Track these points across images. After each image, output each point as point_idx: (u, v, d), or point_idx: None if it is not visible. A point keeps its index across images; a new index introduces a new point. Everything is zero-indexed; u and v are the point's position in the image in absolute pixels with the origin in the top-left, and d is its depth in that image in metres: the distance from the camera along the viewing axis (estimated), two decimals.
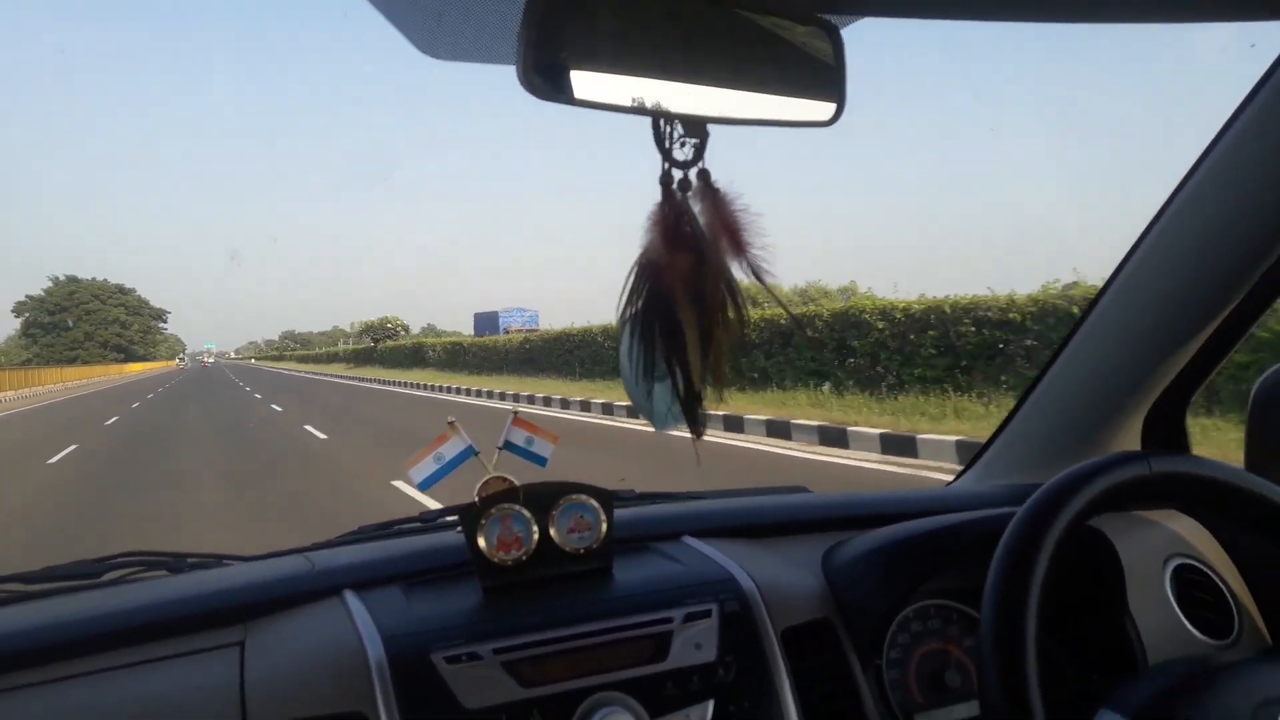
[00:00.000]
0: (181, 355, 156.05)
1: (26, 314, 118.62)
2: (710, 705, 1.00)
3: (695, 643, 1.04)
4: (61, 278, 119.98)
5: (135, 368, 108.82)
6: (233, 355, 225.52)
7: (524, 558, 1.09)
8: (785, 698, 1.04)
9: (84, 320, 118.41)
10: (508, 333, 31.15)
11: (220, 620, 1.06)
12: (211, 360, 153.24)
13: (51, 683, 0.95)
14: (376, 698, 0.92)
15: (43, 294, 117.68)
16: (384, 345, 58.48)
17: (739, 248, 0.80)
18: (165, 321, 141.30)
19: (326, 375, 51.13)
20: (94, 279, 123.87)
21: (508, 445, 1.20)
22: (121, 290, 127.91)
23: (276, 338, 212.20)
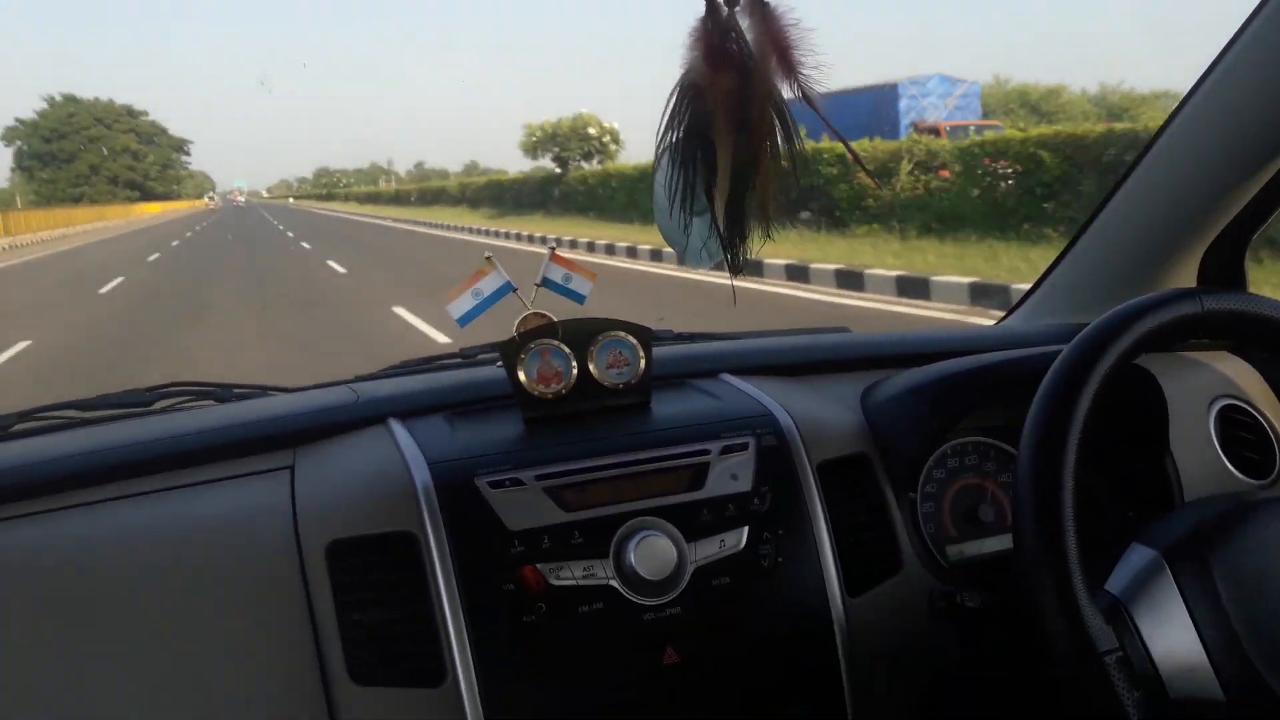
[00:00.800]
0: (211, 194, 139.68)
1: (19, 142, 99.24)
2: (745, 531, 1.03)
3: (732, 474, 1.05)
4: (58, 97, 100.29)
5: (152, 208, 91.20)
6: (265, 194, 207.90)
7: (563, 391, 1.10)
8: (819, 525, 1.06)
9: (87, 150, 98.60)
10: (915, 128, 20.49)
11: (269, 445, 1.09)
12: (243, 199, 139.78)
13: (107, 501, 0.99)
14: (425, 518, 0.96)
15: (36, 117, 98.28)
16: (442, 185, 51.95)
17: (789, 67, 0.75)
18: (188, 154, 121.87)
19: (389, 221, 41.18)
20: (97, 99, 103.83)
21: (545, 282, 1.19)
22: (131, 113, 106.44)
23: (310, 175, 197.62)
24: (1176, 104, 1.25)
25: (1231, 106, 1.19)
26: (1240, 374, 1.32)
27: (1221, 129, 1.21)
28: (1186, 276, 1.34)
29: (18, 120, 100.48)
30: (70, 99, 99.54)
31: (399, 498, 0.98)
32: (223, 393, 1.26)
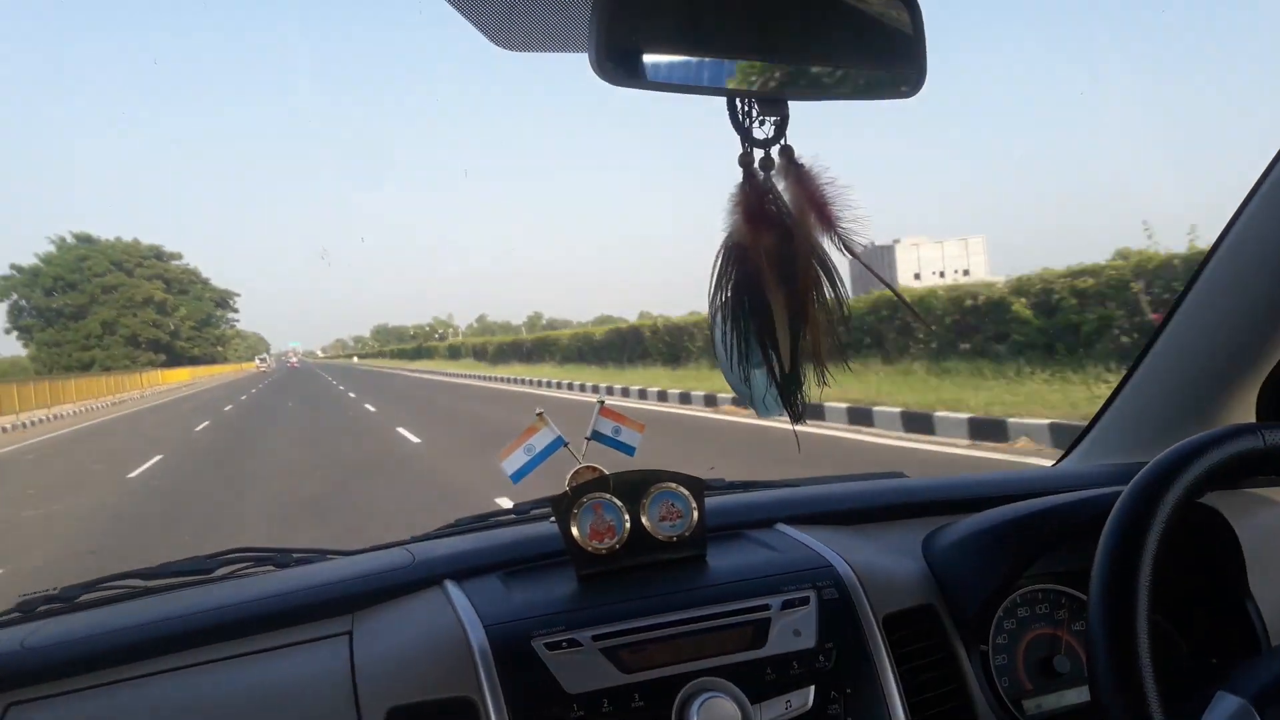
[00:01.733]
0: (263, 355, 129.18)
1: (15, 295, 73.58)
2: (811, 691, 0.99)
3: (794, 629, 1.03)
4: (69, 238, 76.33)
5: (180, 375, 69.45)
6: (320, 354, 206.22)
7: (617, 546, 1.09)
8: (888, 683, 1.02)
9: (101, 302, 73.72)
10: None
11: (328, 610, 1.09)
12: (298, 360, 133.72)
13: (171, 671, 1.00)
14: (482, 682, 0.94)
15: (39, 261, 73.75)
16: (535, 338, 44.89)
17: (827, 222, 0.79)
18: (235, 309, 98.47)
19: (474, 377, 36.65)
20: (119, 239, 79.13)
21: (595, 435, 1.20)
22: (159, 255, 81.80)
23: (368, 334, 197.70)
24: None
25: (1276, 231, 1.18)
26: None
27: (1269, 257, 1.20)
28: (1244, 412, 1.31)
29: (13, 268, 73.83)
30: (84, 239, 77.47)
31: (456, 661, 0.96)
32: (282, 558, 1.28)
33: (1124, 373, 1.47)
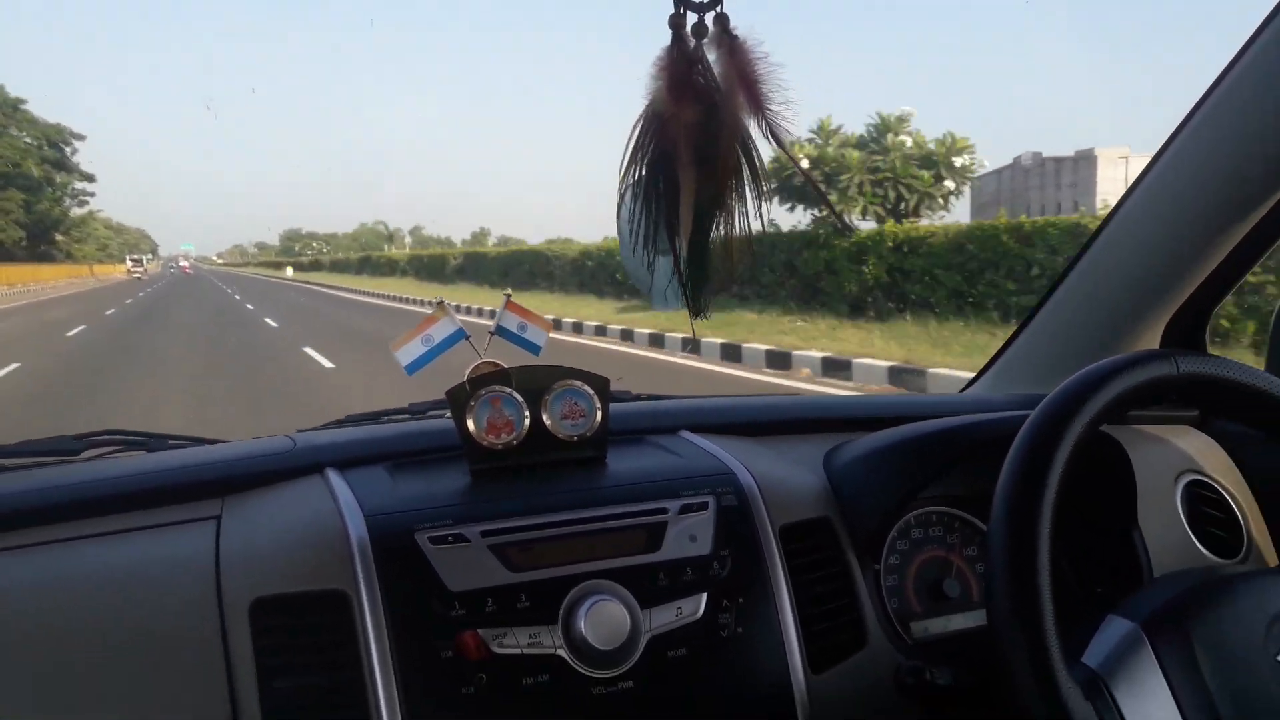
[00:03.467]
0: (138, 256, 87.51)
1: None
2: (704, 598, 0.98)
3: (690, 535, 1.01)
4: None
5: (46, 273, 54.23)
6: (216, 260, 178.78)
7: (514, 442, 1.05)
8: (781, 594, 1.01)
9: None
10: None
11: (196, 493, 1.02)
12: (190, 266, 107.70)
13: (20, 548, 0.92)
14: (358, 576, 0.89)
15: None
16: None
17: (756, 102, 0.73)
18: (85, 175, 70.32)
19: None
20: None
21: (500, 330, 1.14)
22: (17, 105, 61.69)
23: (277, 240, 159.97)
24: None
25: (1196, 173, 1.19)
26: (1205, 449, 1.31)
27: (1184, 196, 1.21)
28: (1151, 344, 1.34)
29: None
30: None
31: (332, 552, 0.91)
32: (155, 442, 1.20)
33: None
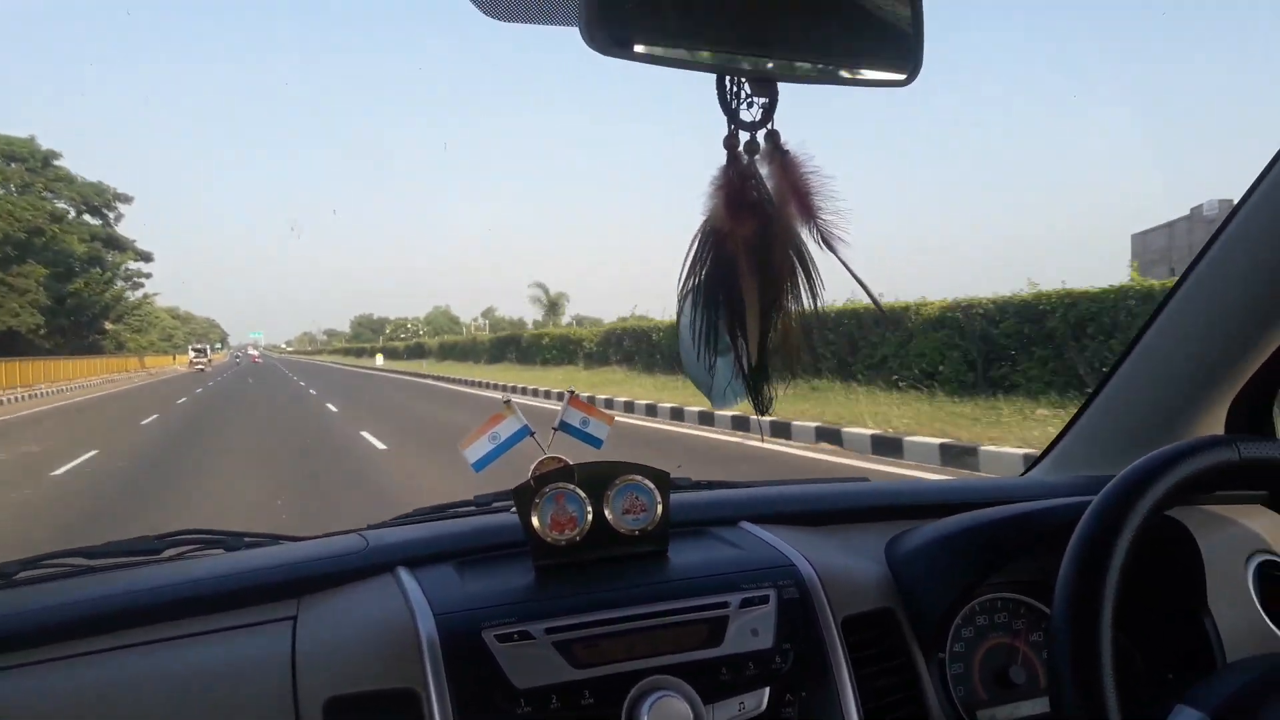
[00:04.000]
0: (202, 345, 78.86)
1: None
2: (766, 693, 0.97)
3: (752, 629, 1.01)
4: None
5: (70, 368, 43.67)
6: (285, 347, 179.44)
7: (578, 538, 1.07)
8: (844, 687, 1.01)
9: None
10: None
11: (274, 594, 1.05)
12: (260, 355, 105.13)
13: (108, 651, 0.96)
14: (427, 674, 0.91)
15: None
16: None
17: (808, 212, 0.77)
18: (141, 255, 60.41)
19: None
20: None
21: (563, 425, 1.17)
22: (49, 160, 50.74)
23: (348, 326, 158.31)
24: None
25: (1253, 251, 1.19)
26: (1274, 528, 1.28)
27: (1242, 276, 1.21)
28: (1213, 427, 1.32)
29: None
30: None
31: (403, 651, 0.93)
32: (233, 541, 1.24)
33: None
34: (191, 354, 66.91)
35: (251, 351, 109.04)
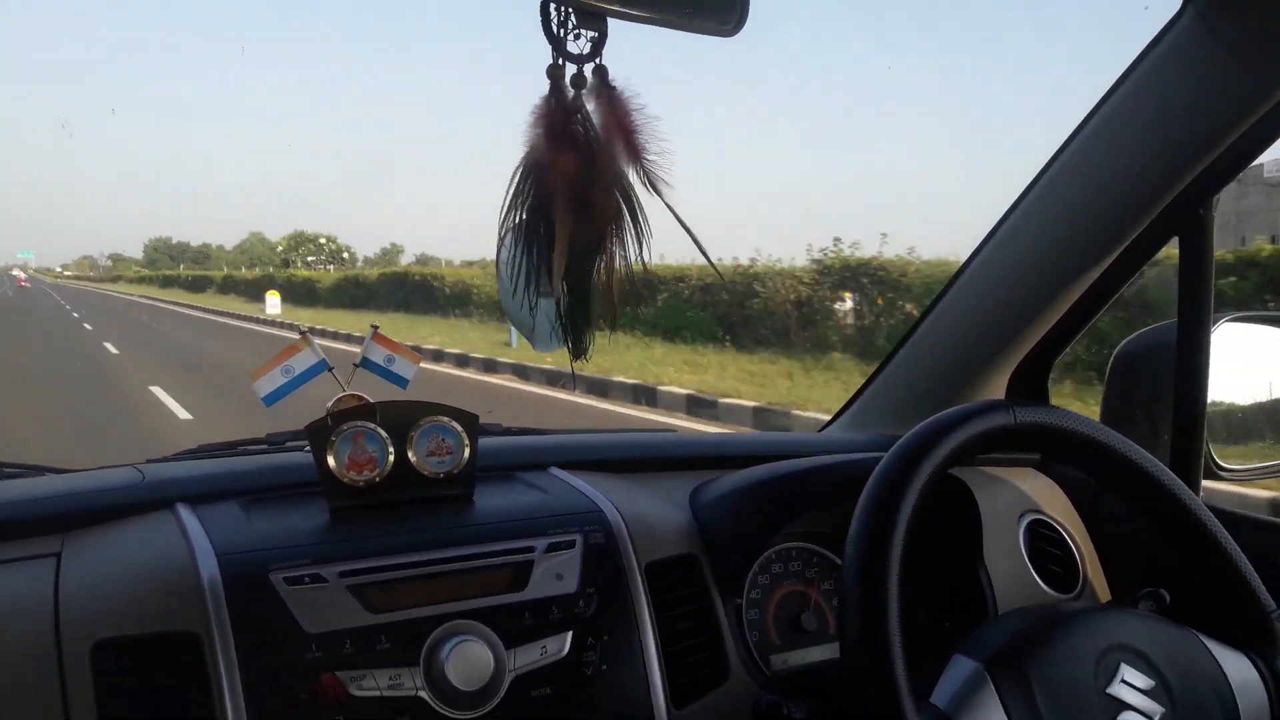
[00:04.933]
0: None
1: None
2: (569, 636, 0.98)
3: (556, 573, 1.01)
4: None
5: None
6: (59, 272, 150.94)
7: (377, 479, 1.03)
8: (645, 631, 1.02)
9: None
10: None
11: (34, 529, 0.97)
12: (27, 279, 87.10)
13: None
14: (210, 617, 0.86)
15: None
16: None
17: (634, 152, 0.75)
18: None
19: None
20: None
21: (365, 362, 1.12)
22: None
23: (140, 251, 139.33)
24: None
25: (1037, 234, 1.28)
26: (1045, 491, 1.39)
27: (1027, 255, 1.30)
28: (996, 392, 1.43)
29: None
30: None
31: (181, 593, 0.88)
32: None
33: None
34: None
35: (17, 274, 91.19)
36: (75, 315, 28.77)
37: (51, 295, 49.27)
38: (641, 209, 0.78)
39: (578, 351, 0.85)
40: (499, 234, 0.81)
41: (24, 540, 0.95)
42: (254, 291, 37.74)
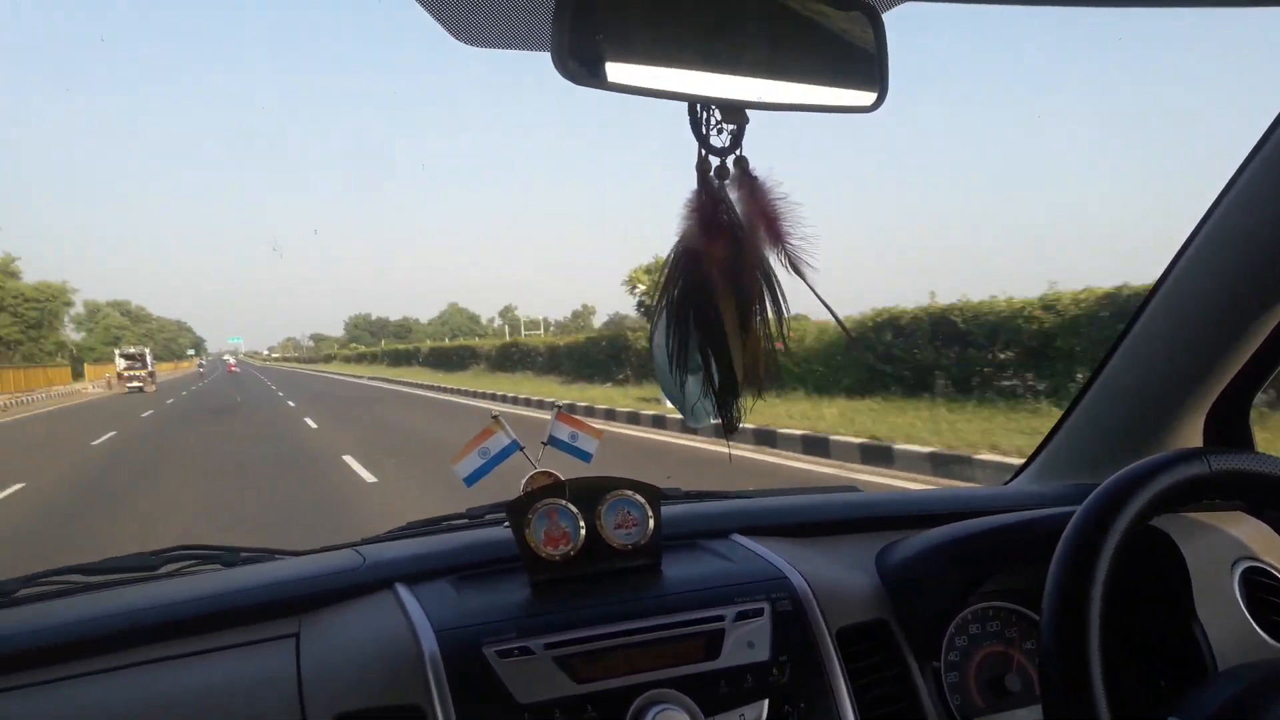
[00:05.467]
0: (132, 354, 44.44)
1: None
2: (765, 705, 0.99)
3: (748, 641, 1.03)
4: None
5: None
6: (267, 355, 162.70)
7: (571, 553, 1.09)
8: (842, 698, 1.03)
9: None
10: None
11: (275, 612, 1.07)
12: (235, 363, 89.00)
13: (111, 671, 0.98)
14: (432, 690, 0.93)
15: None
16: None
17: (777, 237, 0.79)
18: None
19: None
20: None
21: (552, 440, 1.20)
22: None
23: (342, 328, 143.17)
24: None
25: (1225, 263, 1.21)
26: (1259, 535, 1.29)
27: (1215, 287, 1.23)
28: (1192, 435, 1.34)
29: None
30: None
31: (406, 667, 0.95)
32: (229, 556, 1.25)
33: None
34: (121, 364, 41.22)
35: (228, 358, 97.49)
36: (280, 394, 31.29)
37: (260, 378, 52.09)
38: (782, 290, 0.82)
39: (728, 426, 0.88)
40: (653, 313, 0.86)
41: (267, 622, 1.06)
42: (456, 362, 38.45)
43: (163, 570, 1.21)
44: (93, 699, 0.94)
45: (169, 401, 29.87)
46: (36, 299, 57.48)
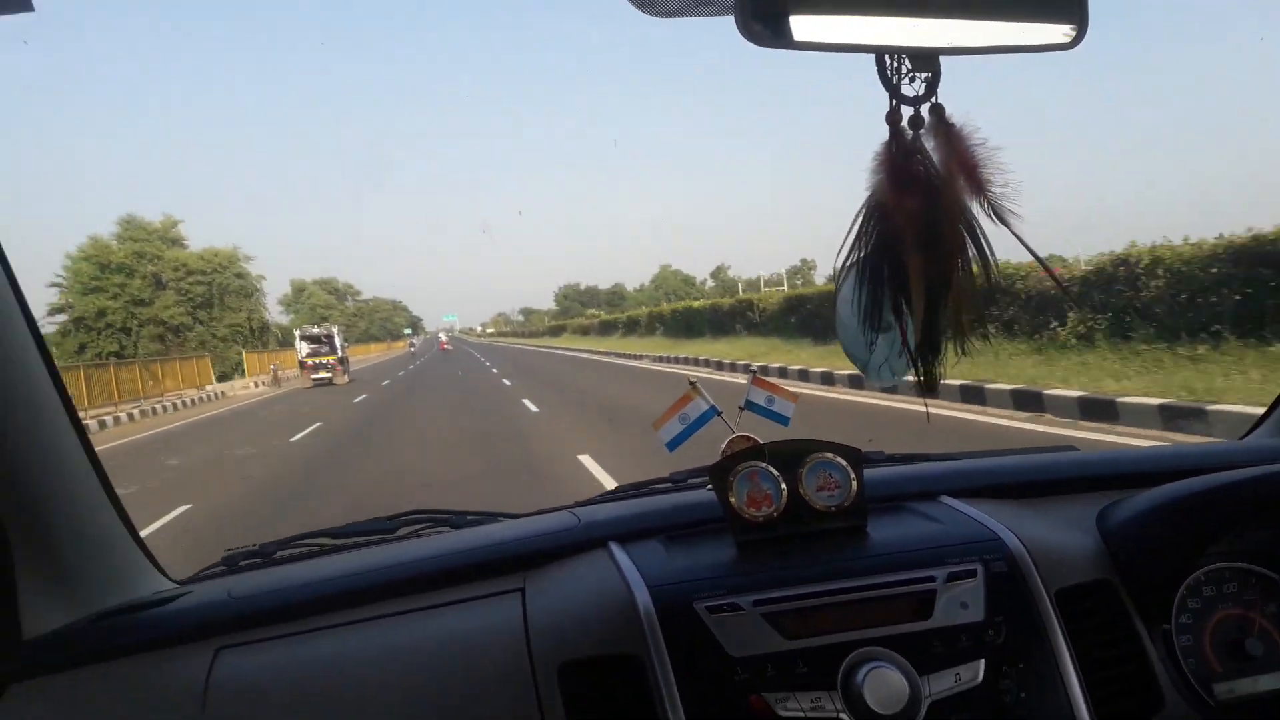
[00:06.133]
0: (314, 334, 32.95)
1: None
2: (981, 665, 0.97)
3: (961, 602, 1.01)
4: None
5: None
6: (479, 330, 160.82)
7: (774, 514, 1.10)
8: (1063, 659, 0.99)
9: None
10: None
11: (502, 569, 1.15)
12: (447, 339, 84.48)
13: (360, 623, 1.08)
14: (648, 641, 0.97)
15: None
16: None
17: (978, 186, 0.76)
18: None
19: None
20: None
21: (749, 405, 1.21)
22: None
23: (552, 301, 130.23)
24: None
25: None
26: None
27: None
28: None
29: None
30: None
31: (624, 620, 1.00)
32: (457, 519, 1.36)
33: None
34: (303, 349, 33.18)
35: (441, 336, 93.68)
36: (487, 364, 31.48)
37: (473, 354, 50.31)
38: (987, 240, 0.78)
39: (929, 386, 0.86)
40: (837, 271, 0.84)
41: (495, 578, 1.14)
42: (678, 329, 32.78)
43: (399, 533, 1.33)
44: (344, 647, 1.05)
45: (359, 399, 21.06)
46: (202, 270, 45.14)
